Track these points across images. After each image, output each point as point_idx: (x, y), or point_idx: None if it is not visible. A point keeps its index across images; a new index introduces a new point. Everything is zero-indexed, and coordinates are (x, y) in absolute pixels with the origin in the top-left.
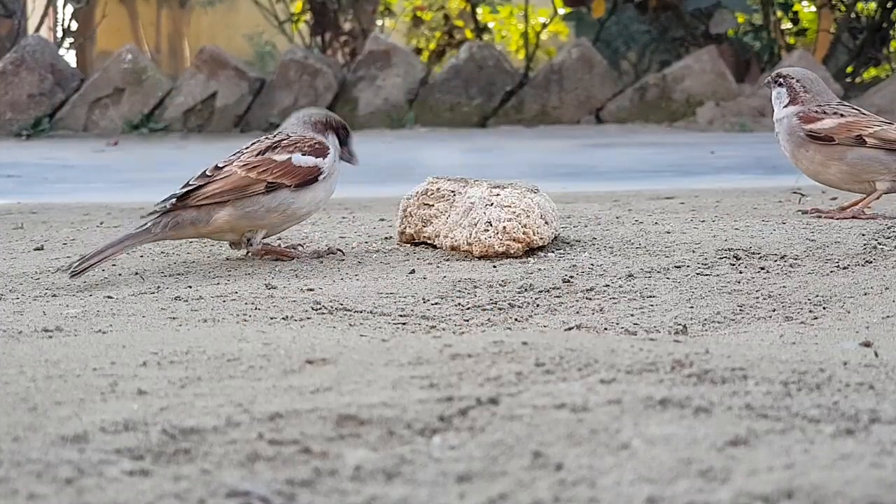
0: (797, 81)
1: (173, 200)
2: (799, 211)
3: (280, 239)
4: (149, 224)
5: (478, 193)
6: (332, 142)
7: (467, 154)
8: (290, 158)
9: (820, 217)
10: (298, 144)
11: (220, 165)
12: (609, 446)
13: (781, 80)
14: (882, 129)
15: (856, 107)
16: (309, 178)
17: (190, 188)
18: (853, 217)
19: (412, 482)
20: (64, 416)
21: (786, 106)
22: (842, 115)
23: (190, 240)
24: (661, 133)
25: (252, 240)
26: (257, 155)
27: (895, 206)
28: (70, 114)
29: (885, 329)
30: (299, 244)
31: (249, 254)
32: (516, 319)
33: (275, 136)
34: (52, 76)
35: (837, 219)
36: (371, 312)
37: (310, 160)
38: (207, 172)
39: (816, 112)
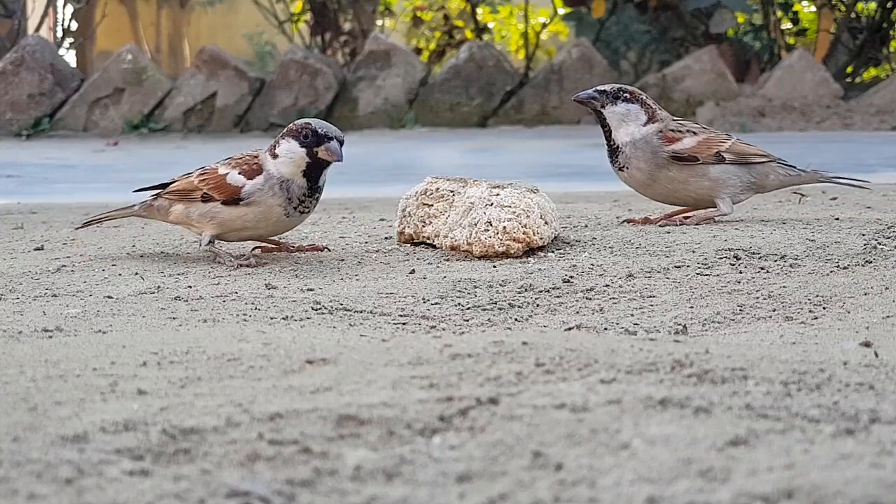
0: (648, 98)
1: (156, 191)
2: (626, 221)
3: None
4: (135, 204)
5: (477, 193)
6: (286, 151)
7: (467, 154)
8: (227, 175)
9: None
10: (240, 161)
11: (203, 167)
12: (609, 446)
13: (628, 95)
14: (733, 143)
15: (692, 123)
16: (233, 197)
17: (168, 182)
18: (691, 223)
19: (412, 482)
20: (64, 416)
21: (645, 124)
22: (695, 133)
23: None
24: None
25: (202, 239)
26: (219, 162)
27: (895, 206)
28: (70, 114)
29: (885, 329)
30: (291, 243)
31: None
32: (516, 319)
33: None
34: (52, 76)
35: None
36: (371, 312)
37: (240, 180)
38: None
39: (674, 131)
